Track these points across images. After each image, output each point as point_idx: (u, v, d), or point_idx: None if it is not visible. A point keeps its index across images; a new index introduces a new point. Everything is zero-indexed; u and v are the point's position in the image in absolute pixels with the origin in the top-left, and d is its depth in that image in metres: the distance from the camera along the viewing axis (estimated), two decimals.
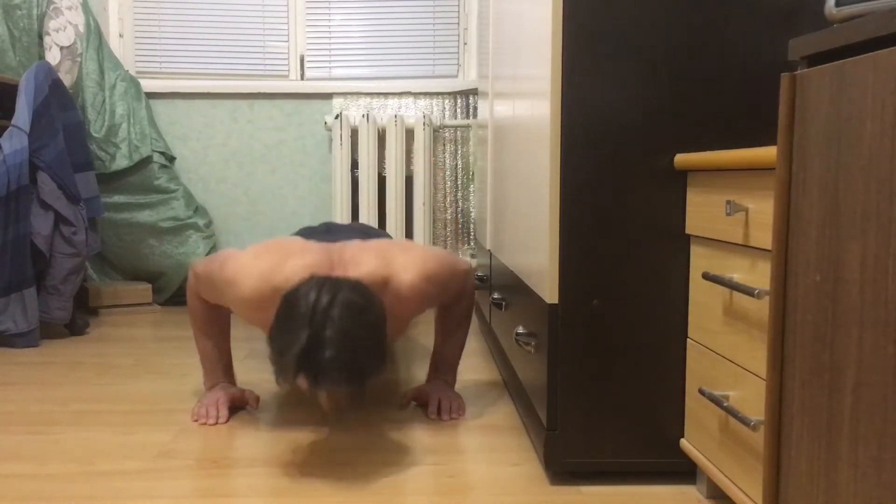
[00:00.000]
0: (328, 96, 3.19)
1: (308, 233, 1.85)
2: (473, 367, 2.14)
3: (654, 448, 1.33)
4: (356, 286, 1.36)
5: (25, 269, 2.38)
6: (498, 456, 1.47)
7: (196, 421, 1.66)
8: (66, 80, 2.92)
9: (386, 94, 3.21)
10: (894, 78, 0.67)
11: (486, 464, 1.43)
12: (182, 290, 3.07)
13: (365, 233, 1.86)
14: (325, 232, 1.88)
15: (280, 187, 3.26)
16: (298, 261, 1.49)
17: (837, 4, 0.81)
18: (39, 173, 2.42)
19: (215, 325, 1.70)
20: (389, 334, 1.64)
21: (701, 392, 1.19)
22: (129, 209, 3.05)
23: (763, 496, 0.90)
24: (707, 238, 1.22)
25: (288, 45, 3.28)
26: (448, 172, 3.24)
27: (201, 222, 3.09)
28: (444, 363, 1.79)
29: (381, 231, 2.07)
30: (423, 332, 2.59)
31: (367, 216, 3.06)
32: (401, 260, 1.54)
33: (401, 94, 3.22)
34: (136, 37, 3.30)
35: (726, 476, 1.15)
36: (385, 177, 3.10)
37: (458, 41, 3.30)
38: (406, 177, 3.11)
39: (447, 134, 3.23)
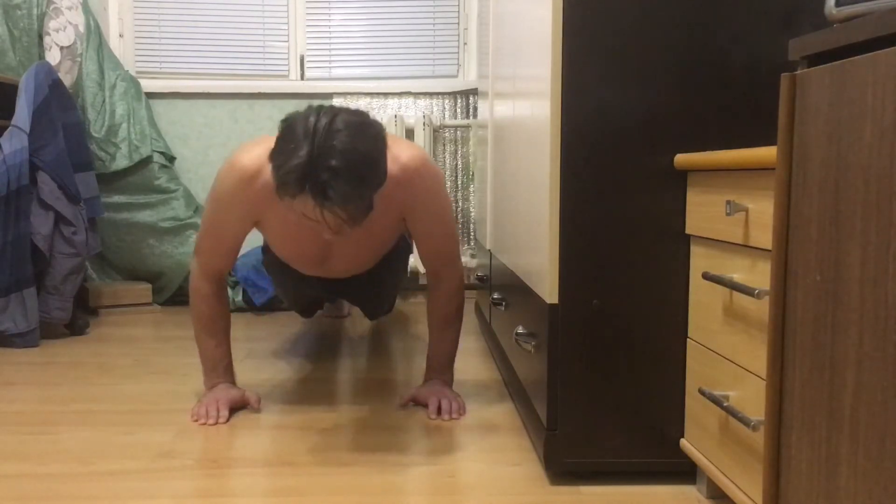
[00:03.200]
0: (328, 96, 3.19)
1: None
2: (473, 366, 2.14)
3: (654, 448, 1.33)
4: (354, 110, 1.37)
5: (25, 269, 2.38)
6: (498, 456, 1.47)
7: (196, 421, 1.65)
8: (66, 80, 2.91)
9: (386, 94, 3.21)
10: (894, 78, 0.67)
11: (486, 464, 1.43)
12: (182, 291, 3.07)
13: None
14: None
15: None
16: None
17: (837, 4, 0.81)
18: (39, 173, 2.42)
19: (217, 323, 1.70)
20: (379, 233, 1.69)
21: (701, 392, 1.19)
22: (129, 209, 3.05)
23: (763, 496, 0.90)
24: (707, 238, 1.22)
25: (288, 45, 3.28)
26: (448, 172, 3.24)
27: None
28: (441, 362, 1.79)
29: None
30: (422, 332, 2.59)
31: None
32: (405, 146, 1.60)
33: (401, 94, 3.22)
34: (136, 37, 3.30)
35: (726, 476, 1.15)
36: None
37: (458, 41, 3.30)
38: None
39: (447, 134, 3.23)
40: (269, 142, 1.54)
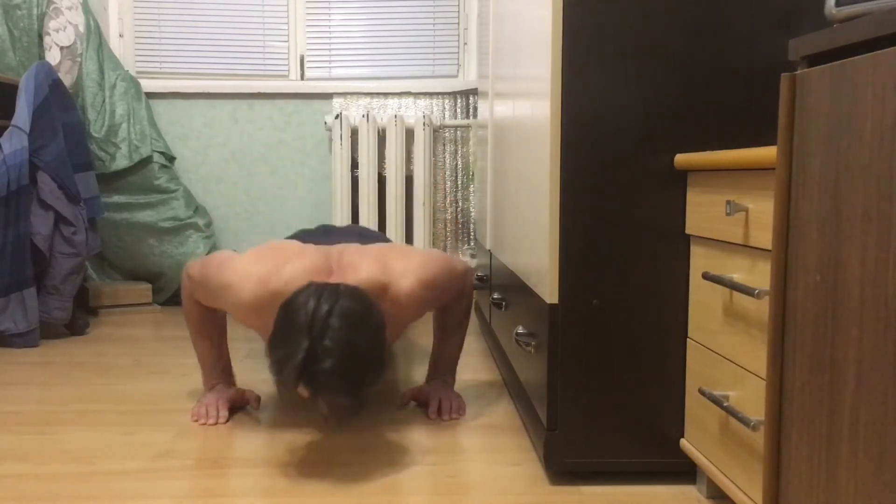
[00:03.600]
0: (328, 96, 3.19)
1: (305, 236, 1.85)
2: (473, 367, 2.14)
3: (654, 448, 1.33)
4: (355, 293, 1.36)
5: (25, 269, 2.38)
6: (498, 456, 1.47)
7: (196, 421, 1.65)
8: (66, 80, 2.91)
9: (386, 94, 3.21)
10: (894, 78, 0.67)
11: (486, 464, 1.43)
12: None
13: (362, 235, 1.86)
14: (323, 234, 1.88)
15: (280, 187, 3.26)
16: (297, 264, 1.49)
17: (837, 4, 0.81)
18: (39, 173, 2.42)
19: (211, 326, 1.70)
20: (388, 339, 1.65)
21: (701, 392, 1.19)
22: (129, 209, 3.05)
23: (763, 496, 0.90)
24: (707, 238, 1.22)
25: (288, 45, 3.28)
26: (448, 172, 3.24)
27: (201, 222, 3.09)
28: (444, 363, 1.79)
29: (378, 233, 2.07)
30: (423, 332, 2.59)
31: (367, 216, 3.06)
32: (399, 266, 1.54)
33: (401, 94, 3.22)
34: (136, 37, 3.30)
35: (726, 476, 1.15)
36: (385, 177, 3.10)
37: (458, 41, 3.30)
38: (406, 177, 3.11)
39: (447, 134, 3.23)
40: (275, 273, 1.49)
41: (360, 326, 1.32)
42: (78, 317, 2.57)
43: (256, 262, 1.51)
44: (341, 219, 3.08)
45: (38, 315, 2.42)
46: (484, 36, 2.53)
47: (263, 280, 1.48)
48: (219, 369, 1.72)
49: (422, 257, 1.58)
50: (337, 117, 3.04)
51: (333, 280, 1.49)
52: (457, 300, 1.75)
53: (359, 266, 1.52)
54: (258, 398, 1.73)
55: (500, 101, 2.01)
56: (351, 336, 1.30)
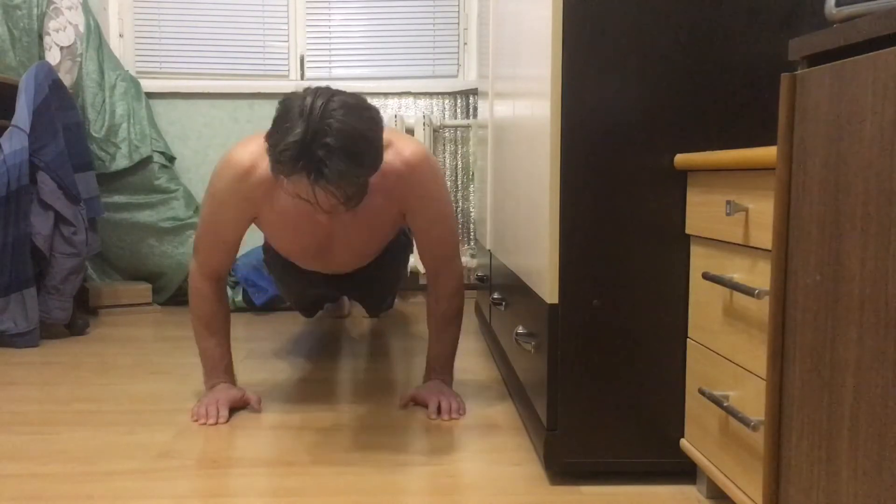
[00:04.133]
0: None
1: None
2: (473, 366, 2.14)
3: (654, 448, 1.33)
4: (350, 93, 1.38)
5: (25, 269, 2.38)
6: (498, 456, 1.47)
7: (196, 421, 1.65)
8: (66, 80, 2.91)
9: (386, 94, 3.21)
10: (894, 78, 0.67)
11: (486, 464, 1.43)
12: (182, 291, 3.07)
13: None
14: None
15: None
16: None
17: (837, 4, 0.81)
18: (39, 173, 2.42)
19: (217, 323, 1.70)
20: (378, 226, 1.68)
21: (701, 392, 1.19)
22: (129, 209, 3.05)
23: (763, 496, 0.90)
24: (707, 238, 1.22)
25: (288, 45, 3.28)
26: (448, 172, 3.24)
27: None
28: (440, 362, 1.79)
29: None
30: (422, 332, 2.59)
31: None
32: (407, 141, 1.60)
33: (401, 94, 3.22)
34: (136, 37, 3.30)
35: (726, 476, 1.15)
36: None
37: (458, 41, 3.30)
38: None
39: (447, 134, 3.23)
40: (262, 140, 1.55)
41: (357, 111, 1.33)
42: (78, 317, 2.57)
43: (234, 149, 1.58)
44: None
45: (39, 315, 2.42)
46: (484, 36, 2.53)
47: (247, 150, 1.55)
48: (220, 369, 1.72)
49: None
50: None
51: None
52: (448, 297, 1.74)
53: None
54: (259, 398, 1.73)
55: (500, 101, 2.01)
56: (348, 118, 1.31)
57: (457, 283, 1.76)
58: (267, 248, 2.09)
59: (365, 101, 1.39)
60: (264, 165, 1.53)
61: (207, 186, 1.64)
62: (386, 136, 1.53)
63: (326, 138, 1.28)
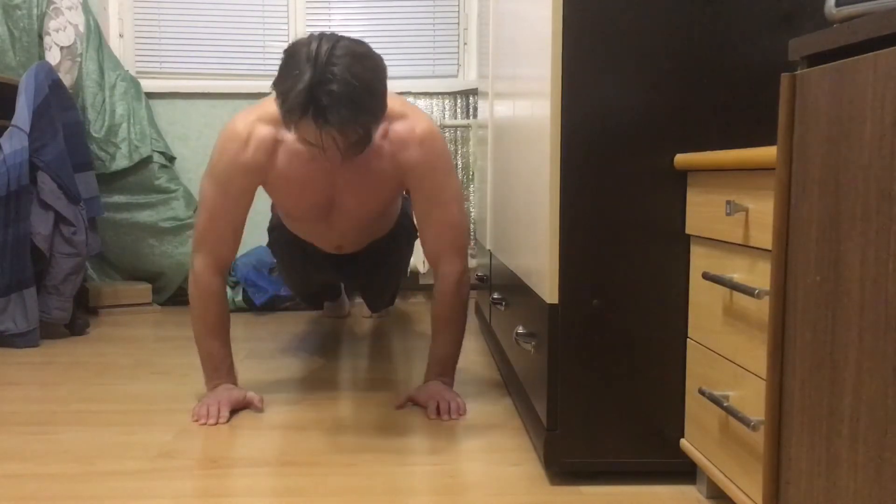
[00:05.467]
0: None
1: None
2: (473, 366, 2.14)
3: (654, 448, 1.33)
4: (355, 39, 1.41)
5: (25, 269, 2.38)
6: (498, 456, 1.47)
7: (196, 421, 1.65)
8: (66, 80, 2.91)
9: None
10: (894, 78, 0.67)
11: (486, 464, 1.43)
12: (182, 291, 3.07)
13: None
14: None
15: None
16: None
17: (837, 4, 0.81)
18: (39, 173, 2.42)
19: (218, 323, 1.70)
20: (380, 189, 1.70)
21: (701, 392, 1.19)
22: (129, 209, 3.05)
23: (763, 496, 0.90)
24: (707, 238, 1.22)
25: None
26: None
27: None
28: (442, 363, 1.78)
29: None
30: (422, 332, 2.59)
31: None
32: (424, 118, 1.64)
33: (401, 94, 3.22)
34: (136, 37, 3.30)
35: (726, 476, 1.15)
36: None
37: (458, 41, 3.30)
38: None
39: (447, 134, 3.23)
40: (254, 110, 1.61)
41: (363, 58, 1.37)
42: (78, 317, 2.57)
43: (230, 122, 1.62)
44: None
45: (39, 315, 2.42)
46: (484, 36, 2.53)
47: (245, 121, 1.59)
48: (222, 369, 1.72)
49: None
50: None
51: None
52: (451, 292, 1.74)
53: None
54: (261, 399, 1.73)
55: (500, 101, 2.01)
56: (354, 64, 1.34)
57: (458, 277, 1.75)
58: (272, 228, 2.09)
59: (369, 48, 1.42)
60: (261, 130, 1.58)
61: (208, 170, 1.65)
62: (402, 107, 1.58)
63: (331, 86, 1.32)
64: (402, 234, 2.08)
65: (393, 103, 1.57)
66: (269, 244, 2.16)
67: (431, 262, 1.77)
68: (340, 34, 1.41)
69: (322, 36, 1.38)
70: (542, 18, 1.35)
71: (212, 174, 1.64)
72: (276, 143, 1.60)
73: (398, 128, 1.61)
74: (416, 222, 1.84)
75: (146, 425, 1.64)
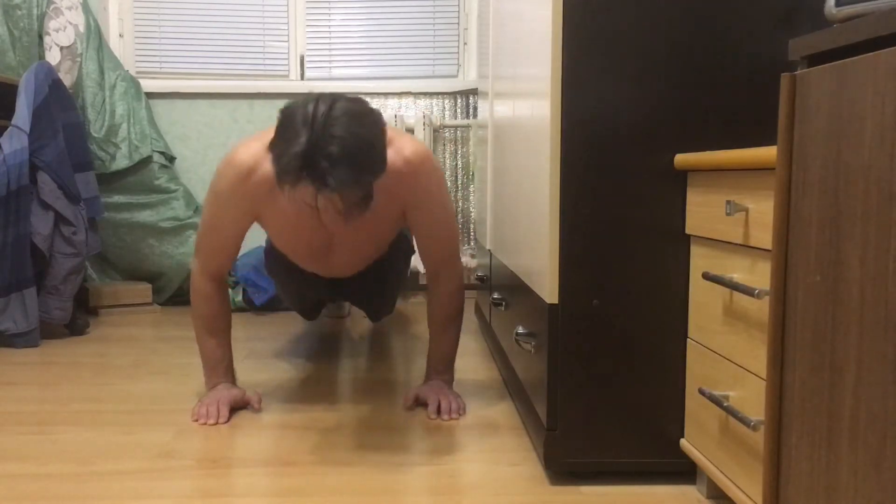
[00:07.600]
0: None
1: None
2: (473, 366, 2.14)
3: (654, 448, 1.33)
4: (353, 98, 1.37)
5: (25, 269, 2.38)
6: (498, 456, 1.47)
7: (196, 421, 1.65)
8: (66, 80, 2.91)
9: (386, 94, 3.21)
10: (894, 78, 0.67)
11: (486, 464, 1.43)
12: (182, 291, 3.07)
13: None
14: None
15: None
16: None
17: (837, 4, 0.81)
18: (39, 173, 2.42)
19: (218, 323, 1.70)
20: (379, 225, 1.68)
21: (701, 392, 1.19)
22: (129, 209, 3.05)
23: (763, 496, 0.90)
24: (707, 238, 1.22)
25: (288, 45, 3.28)
26: (448, 172, 3.24)
27: None
28: (441, 362, 1.79)
29: None
30: (422, 332, 2.59)
31: None
32: (409, 141, 1.60)
33: (401, 94, 3.22)
34: (136, 37, 3.30)
35: (726, 476, 1.15)
36: None
37: (458, 41, 3.30)
38: None
39: (447, 134, 3.23)
40: (267, 136, 1.56)
41: (360, 117, 1.32)
42: (78, 317, 2.57)
43: (237, 148, 1.58)
44: None
45: (39, 315, 2.42)
46: (484, 36, 2.53)
47: (250, 150, 1.56)
48: (221, 369, 1.72)
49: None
50: None
51: None
52: (449, 298, 1.74)
53: None
54: (260, 398, 1.73)
55: (500, 101, 2.01)
56: (352, 125, 1.30)
57: (457, 284, 1.77)
58: (268, 252, 2.08)
59: (367, 105, 1.38)
60: (266, 165, 1.54)
61: (209, 187, 1.64)
62: (389, 130, 1.53)
63: (330, 147, 1.27)
64: (399, 252, 2.06)
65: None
66: (266, 266, 2.14)
67: (430, 271, 1.77)
68: (338, 94, 1.37)
69: (319, 96, 1.34)
70: (541, 18, 1.35)
71: (213, 191, 1.62)
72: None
73: (388, 157, 1.54)
74: (413, 240, 1.82)
75: (146, 425, 1.64)
